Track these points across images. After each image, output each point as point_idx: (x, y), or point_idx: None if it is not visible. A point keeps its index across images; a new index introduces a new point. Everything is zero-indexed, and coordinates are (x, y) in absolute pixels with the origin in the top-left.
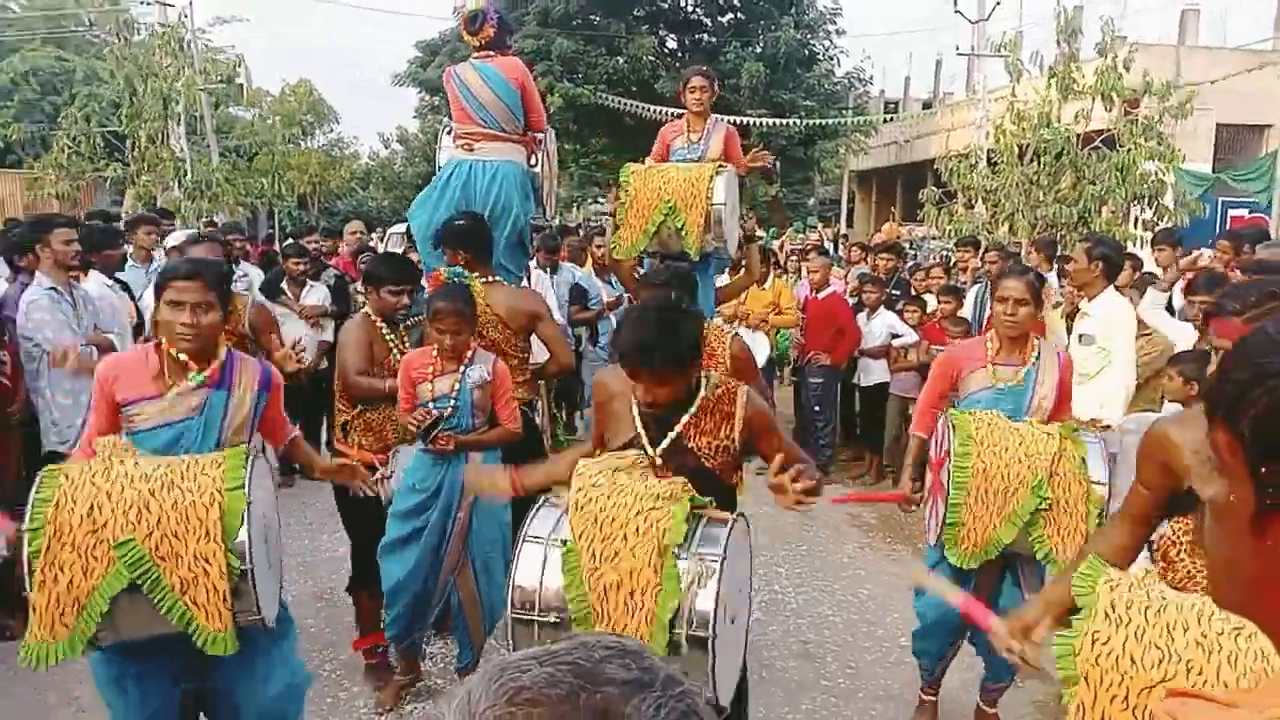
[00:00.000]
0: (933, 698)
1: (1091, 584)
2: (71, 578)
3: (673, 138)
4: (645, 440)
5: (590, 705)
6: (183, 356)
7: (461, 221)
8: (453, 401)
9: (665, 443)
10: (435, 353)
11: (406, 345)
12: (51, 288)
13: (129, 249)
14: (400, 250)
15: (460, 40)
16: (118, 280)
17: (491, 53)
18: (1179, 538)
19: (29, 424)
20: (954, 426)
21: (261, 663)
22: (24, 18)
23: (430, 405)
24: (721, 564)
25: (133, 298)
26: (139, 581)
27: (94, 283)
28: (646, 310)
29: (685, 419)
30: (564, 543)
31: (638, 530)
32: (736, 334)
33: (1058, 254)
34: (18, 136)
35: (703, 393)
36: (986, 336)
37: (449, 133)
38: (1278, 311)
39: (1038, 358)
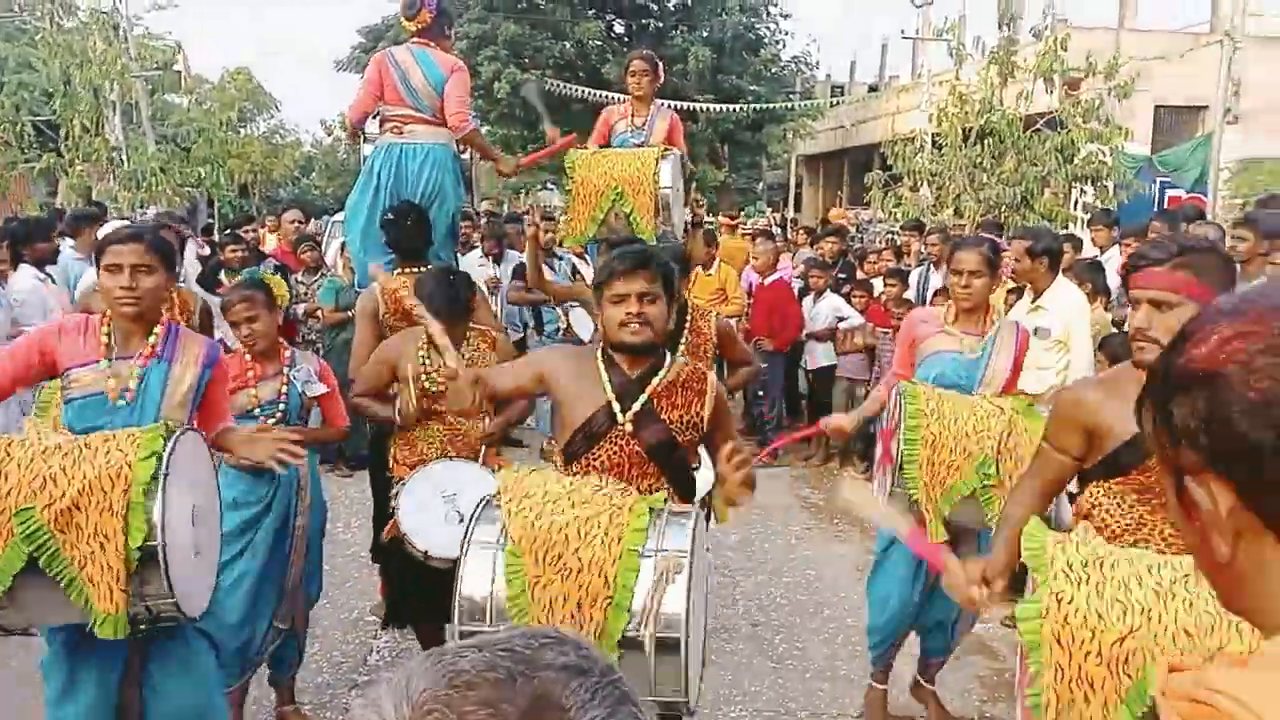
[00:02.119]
0: (883, 686)
1: (1040, 546)
2: None
3: (616, 120)
4: (617, 406)
5: (528, 689)
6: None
7: (409, 218)
8: (281, 407)
9: (637, 406)
10: (248, 357)
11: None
12: None
13: (69, 242)
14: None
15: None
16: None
17: (429, 41)
18: (1100, 499)
19: None
20: (905, 397)
21: (180, 669)
22: None
23: (257, 413)
24: (691, 560)
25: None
26: (36, 554)
27: (25, 275)
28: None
29: (656, 382)
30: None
31: (580, 533)
32: (719, 314)
33: (1000, 237)
34: None
35: (671, 361)
36: (944, 307)
37: (375, 117)
38: (1201, 260)
39: (996, 330)
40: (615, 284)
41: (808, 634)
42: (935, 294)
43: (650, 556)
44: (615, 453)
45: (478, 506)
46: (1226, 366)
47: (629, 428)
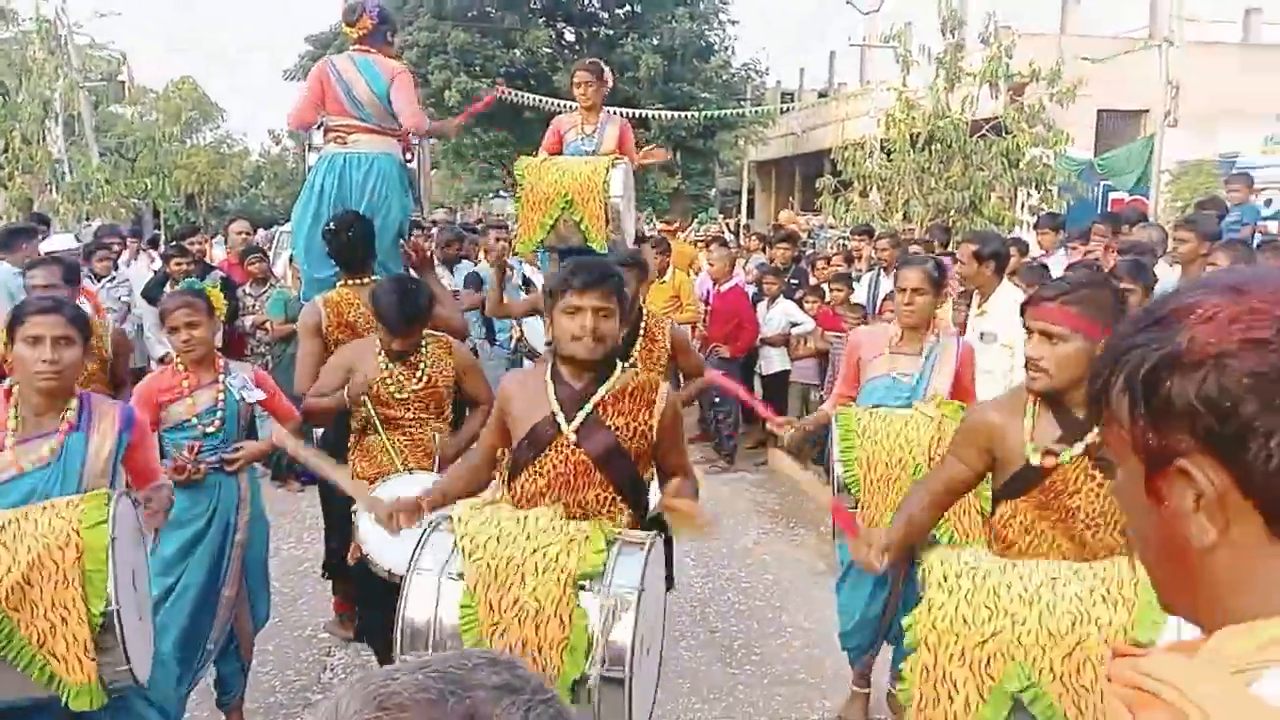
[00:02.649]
0: (865, 690)
1: (929, 562)
2: None
3: (566, 130)
4: (561, 416)
5: (459, 710)
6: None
7: (351, 229)
8: (220, 414)
9: (581, 416)
10: (182, 367)
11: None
12: None
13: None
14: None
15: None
16: None
17: (370, 48)
18: (1013, 519)
19: None
20: (836, 422)
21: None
22: None
23: (194, 422)
24: (639, 597)
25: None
26: None
27: None
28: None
29: (602, 391)
30: (459, 575)
31: (536, 569)
32: (673, 322)
33: (949, 241)
34: None
35: (620, 372)
36: (890, 324)
37: (319, 128)
38: (1090, 296)
39: (934, 348)
40: (570, 297)
41: (765, 639)
42: (885, 298)
43: (597, 594)
44: (561, 462)
45: (424, 532)
46: (1238, 346)
47: (573, 438)
